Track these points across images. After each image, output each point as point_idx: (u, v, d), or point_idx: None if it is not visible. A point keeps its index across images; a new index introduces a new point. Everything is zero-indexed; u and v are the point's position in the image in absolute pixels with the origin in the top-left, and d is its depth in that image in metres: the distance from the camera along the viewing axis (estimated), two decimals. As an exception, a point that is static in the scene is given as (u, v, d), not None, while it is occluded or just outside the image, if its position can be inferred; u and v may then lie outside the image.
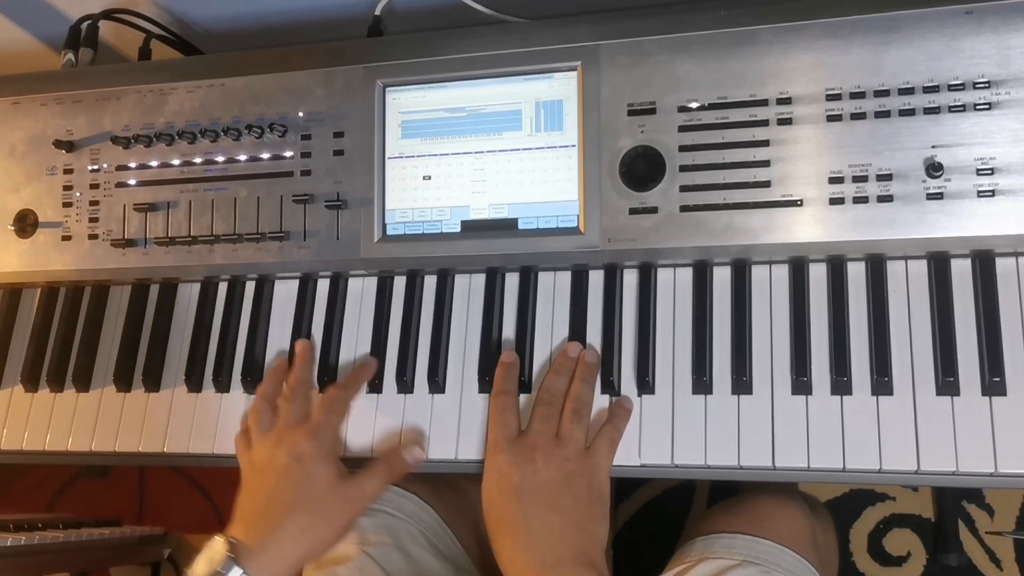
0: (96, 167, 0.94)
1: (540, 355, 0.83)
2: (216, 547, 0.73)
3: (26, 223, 0.95)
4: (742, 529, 0.79)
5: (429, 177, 0.86)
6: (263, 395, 0.84)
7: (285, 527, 0.75)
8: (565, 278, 0.84)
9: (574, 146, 0.83)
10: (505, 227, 0.84)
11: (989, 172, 0.73)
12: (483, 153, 0.85)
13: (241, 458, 0.83)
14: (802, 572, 0.77)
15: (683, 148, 0.79)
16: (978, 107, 0.73)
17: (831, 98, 0.76)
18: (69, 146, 0.94)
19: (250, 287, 0.92)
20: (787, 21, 0.78)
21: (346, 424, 0.84)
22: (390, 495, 0.88)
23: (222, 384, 0.89)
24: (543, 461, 0.75)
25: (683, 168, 0.79)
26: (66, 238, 0.93)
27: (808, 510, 0.85)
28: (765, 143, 0.78)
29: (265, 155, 0.89)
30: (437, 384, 0.84)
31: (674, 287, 0.81)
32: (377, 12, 0.96)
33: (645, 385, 0.79)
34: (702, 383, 0.77)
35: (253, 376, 0.88)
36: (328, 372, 0.86)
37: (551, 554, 0.72)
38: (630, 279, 0.82)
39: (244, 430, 0.85)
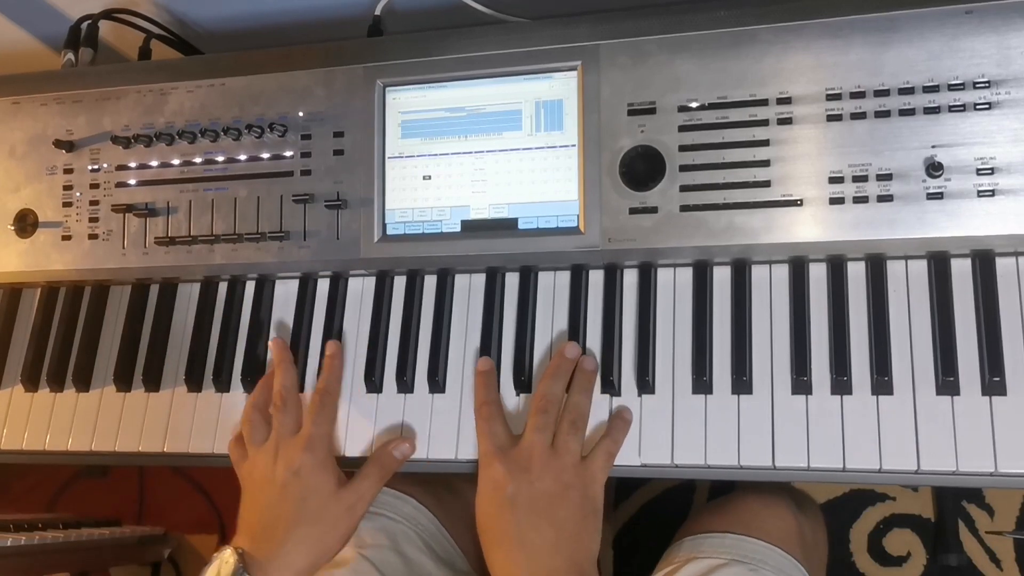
0: (96, 167, 0.94)
1: (540, 355, 0.83)
2: (226, 558, 0.74)
3: (26, 223, 0.95)
4: (730, 528, 0.80)
5: (429, 177, 0.86)
6: (255, 405, 0.84)
7: (290, 540, 0.76)
8: (565, 278, 0.84)
9: (574, 146, 0.83)
10: (505, 227, 0.84)
11: (989, 172, 0.73)
12: (483, 153, 0.85)
13: (238, 469, 0.83)
14: (790, 570, 0.77)
15: (683, 148, 0.79)
16: (978, 107, 0.73)
17: (831, 98, 0.76)
18: (69, 146, 0.94)
19: (250, 287, 0.92)
20: (787, 21, 0.78)
21: (345, 425, 0.84)
22: (387, 498, 0.88)
23: (222, 384, 0.89)
24: (539, 472, 0.74)
25: (683, 168, 0.79)
26: (66, 238, 0.93)
27: (795, 508, 0.85)
28: (765, 143, 0.78)
29: (265, 155, 0.89)
30: (437, 384, 0.83)
31: (674, 287, 0.81)
32: (377, 12, 0.96)
33: (645, 385, 0.79)
34: (702, 383, 0.77)
35: (253, 376, 0.88)
36: (328, 372, 0.86)
37: (544, 565, 0.72)
38: (630, 279, 0.82)
39: (238, 438, 0.84)
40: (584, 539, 0.74)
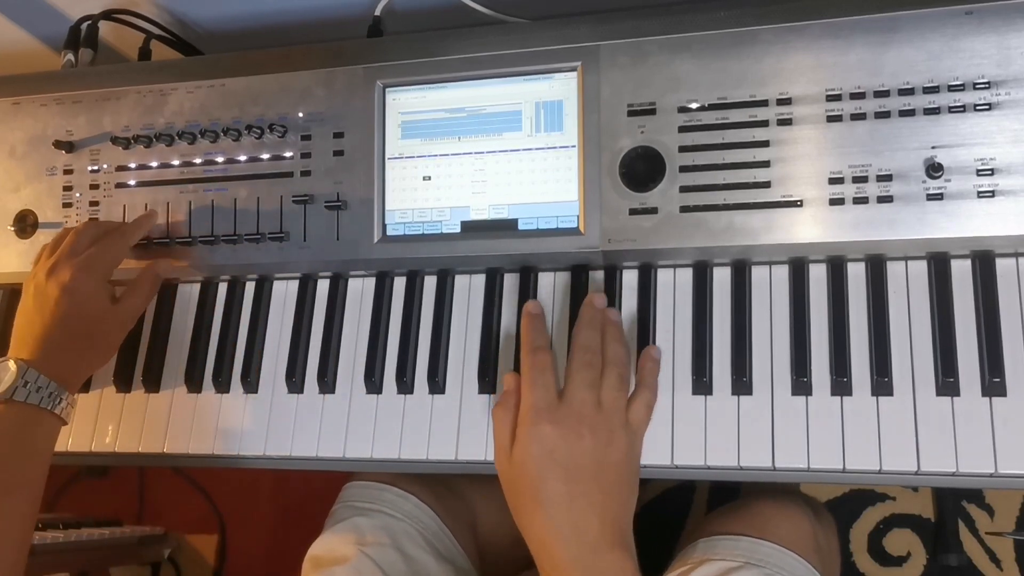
0: (96, 167, 0.94)
1: (540, 355, 0.83)
2: (9, 367, 0.77)
3: (26, 223, 0.95)
4: (745, 531, 0.79)
5: (429, 177, 0.86)
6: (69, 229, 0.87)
7: (63, 348, 0.81)
8: (565, 278, 0.84)
9: (574, 146, 0.83)
10: (505, 227, 0.84)
11: (989, 172, 0.73)
12: (483, 153, 0.85)
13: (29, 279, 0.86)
14: (804, 575, 0.77)
15: (683, 148, 0.79)
16: (978, 107, 0.73)
17: (831, 98, 0.76)
18: (69, 146, 0.94)
19: (250, 287, 0.92)
20: (787, 21, 0.77)
21: (345, 426, 0.84)
22: (388, 496, 0.88)
23: (222, 384, 0.89)
24: (591, 436, 0.70)
25: (683, 168, 0.79)
26: (66, 238, 0.93)
27: (811, 513, 0.85)
28: (765, 143, 0.78)
29: (265, 155, 0.89)
30: (437, 385, 0.83)
31: (674, 288, 0.81)
32: (377, 12, 0.96)
33: (645, 385, 0.79)
34: (702, 384, 0.77)
35: (253, 376, 0.88)
36: (329, 374, 0.86)
37: (591, 534, 0.69)
38: (630, 279, 0.82)
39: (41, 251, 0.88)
40: (625, 500, 0.72)
